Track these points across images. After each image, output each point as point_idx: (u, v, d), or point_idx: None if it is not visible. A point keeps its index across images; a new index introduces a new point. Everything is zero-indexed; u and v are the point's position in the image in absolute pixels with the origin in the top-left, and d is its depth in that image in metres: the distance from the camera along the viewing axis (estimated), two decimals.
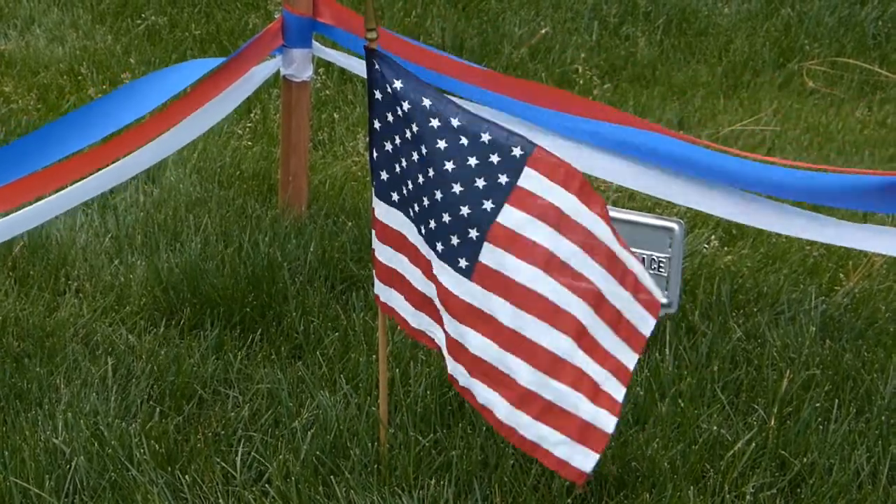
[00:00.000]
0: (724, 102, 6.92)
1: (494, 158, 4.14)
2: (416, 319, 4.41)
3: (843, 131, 6.63)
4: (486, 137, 4.13)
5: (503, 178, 4.14)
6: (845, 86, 7.06)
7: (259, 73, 5.51)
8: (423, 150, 4.17)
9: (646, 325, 4.19)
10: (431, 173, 4.16)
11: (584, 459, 4.04)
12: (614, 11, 7.58)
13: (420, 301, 4.35)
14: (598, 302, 4.13)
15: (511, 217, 4.12)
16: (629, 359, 4.14)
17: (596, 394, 4.07)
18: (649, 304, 4.20)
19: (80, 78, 6.81)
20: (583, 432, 4.06)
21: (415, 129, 4.18)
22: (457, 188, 4.12)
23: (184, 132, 5.32)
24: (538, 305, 4.11)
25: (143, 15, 7.42)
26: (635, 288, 4.21)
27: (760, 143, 6.45)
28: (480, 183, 4.12)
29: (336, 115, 6.58)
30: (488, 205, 4.11)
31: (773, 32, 7.45)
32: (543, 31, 7.33)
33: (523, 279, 4.11)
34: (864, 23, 7.52)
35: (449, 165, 4.13)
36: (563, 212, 4.16)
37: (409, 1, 7.60)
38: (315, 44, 5.59)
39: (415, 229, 4.31)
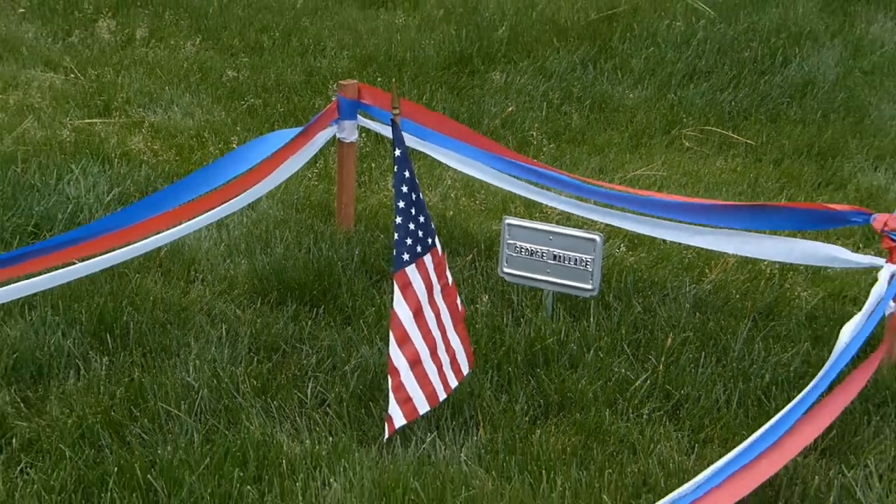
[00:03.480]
0: (630, 156, 6.86)
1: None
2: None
3: (709, 175, 6.62)
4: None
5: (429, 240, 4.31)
6: (710, 145, 7.03)
7: (322, 137, 5.58)
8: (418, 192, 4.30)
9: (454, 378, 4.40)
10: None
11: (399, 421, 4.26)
12: (557, 96, 7.52)
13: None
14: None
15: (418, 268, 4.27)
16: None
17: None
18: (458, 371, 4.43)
19: (203, 140, 6.80)
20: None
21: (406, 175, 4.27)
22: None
23: (272, 181, 5.43)
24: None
25: (245, 98, 7.37)
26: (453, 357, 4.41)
27: (654, 183, 6.47)
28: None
29: (373, 165, 6.58)
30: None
31: (661, 110, 7.38)
32: (510, 109, 7.33)
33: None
34: (722, 103, 7.45)
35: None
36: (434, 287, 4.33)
37: (420, 89, 7.53)
38: (359, 117, 5.63)
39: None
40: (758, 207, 5.08)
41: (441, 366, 4.35)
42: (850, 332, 4.33)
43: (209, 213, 5.12)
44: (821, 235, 5.69)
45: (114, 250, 4.81)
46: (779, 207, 5.09)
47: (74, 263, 4.78)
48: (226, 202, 5.19)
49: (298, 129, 5.46)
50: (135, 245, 4.85)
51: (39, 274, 4.64)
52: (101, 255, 4.79)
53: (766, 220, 4.99)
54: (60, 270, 4.71)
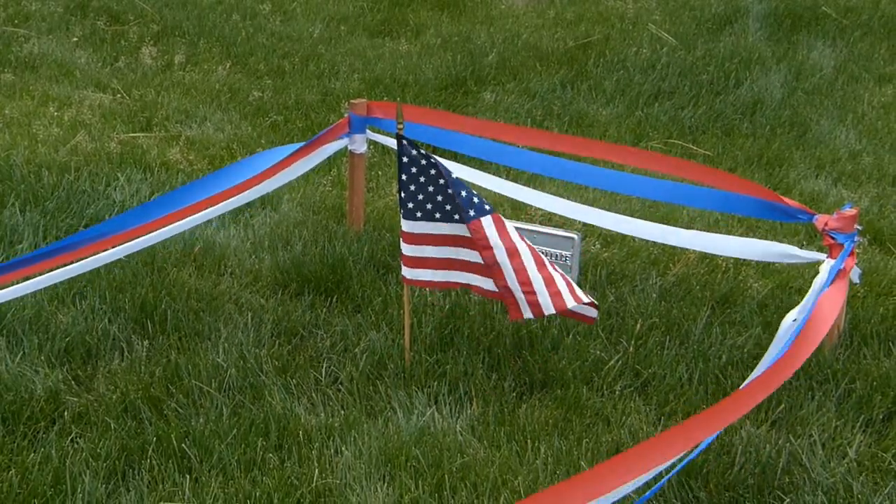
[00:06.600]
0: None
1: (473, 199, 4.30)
2: (444, 276, 4.47)
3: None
4: (463, 192, 4.29)
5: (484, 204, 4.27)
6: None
7: (332, 147, 5.54)
8: (440, 183, 4.32)
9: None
10: (447, 197, 4.33)
11: (592, 312, 4.36)
12: (540, 113, 7.44)
13: (448, 264, 4.45)
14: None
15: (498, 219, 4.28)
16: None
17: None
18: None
19: (232, 151, 6.79)
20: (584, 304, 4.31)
21: (432, 173, 4.32)
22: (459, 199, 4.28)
23: (285, 177, 5.39)
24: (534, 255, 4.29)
25: (269, 115, 7.35)
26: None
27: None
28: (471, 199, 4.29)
29: (379, 173, 6.57)
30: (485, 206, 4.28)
31: (630, 125, 7.32)
32: None
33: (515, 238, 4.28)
34: (683, 119, 7.37)
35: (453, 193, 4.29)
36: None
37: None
38: (368, 131, 5.62)
39: (443, 224, 4.37)
40: (719, 191, 4.98)
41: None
42: (793, 316, 4.24)
43: (231, 201, 5.11)
44: (769, 234, 5.67)
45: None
46: (739, 195, 4.89)
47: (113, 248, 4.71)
48: (244, 193, 5.19)
49: (306, 142, 5.46)
50: (165, 228, 4.81)
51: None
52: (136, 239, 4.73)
53: (724, 202, 4.92)
54: (104, 253, 4.66)
